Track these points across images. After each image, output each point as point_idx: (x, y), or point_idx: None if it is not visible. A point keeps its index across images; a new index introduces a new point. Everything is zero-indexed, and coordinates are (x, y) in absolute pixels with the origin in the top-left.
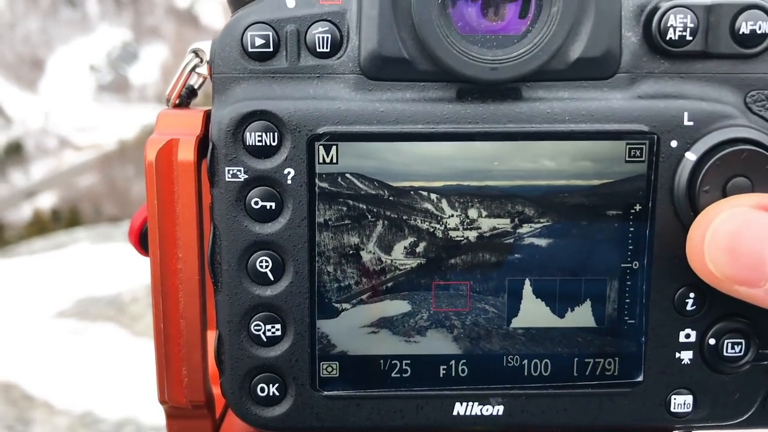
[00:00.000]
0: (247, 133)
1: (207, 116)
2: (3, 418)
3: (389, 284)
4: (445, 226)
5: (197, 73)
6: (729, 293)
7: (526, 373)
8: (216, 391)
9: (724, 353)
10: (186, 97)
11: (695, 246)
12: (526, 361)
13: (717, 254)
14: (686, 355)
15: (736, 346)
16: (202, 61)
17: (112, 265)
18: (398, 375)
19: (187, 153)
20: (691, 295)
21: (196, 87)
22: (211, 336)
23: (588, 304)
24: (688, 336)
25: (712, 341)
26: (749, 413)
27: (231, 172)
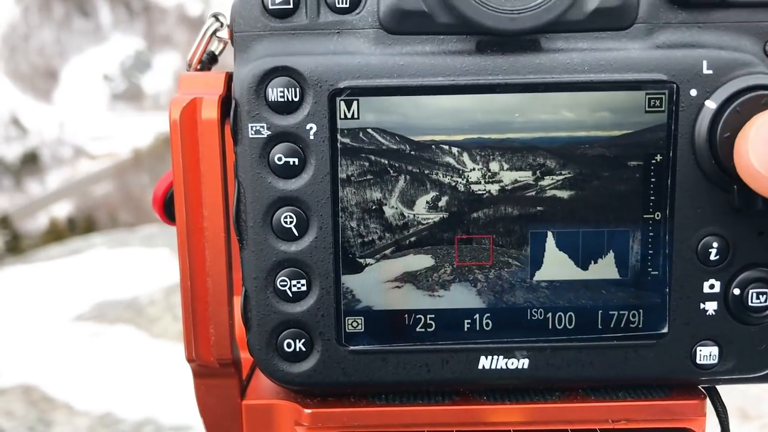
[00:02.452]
0: (270, 90)
1: (229, 78)
2: (24, 419)
3: (412, 239)
4: (467, 180)
5: (218, 38)
6: None
7: (550, 326)
8: (243, 355)
9: (749, 303)
10: (207, 62)
11: (742, 141)
12: (550, 314)
13: (763, 147)
14: (711, 306)
15: (761, 296)
16: (222, 26)
17: (128, 269)
18: (423, 329)
19: (210, 111)
20: (715, 244)
21: (216, 53)
22: (237, 300)
23: (611, 255)
24: (712, 287)
25: (736, 291)
26: None
27: (254, 128)
